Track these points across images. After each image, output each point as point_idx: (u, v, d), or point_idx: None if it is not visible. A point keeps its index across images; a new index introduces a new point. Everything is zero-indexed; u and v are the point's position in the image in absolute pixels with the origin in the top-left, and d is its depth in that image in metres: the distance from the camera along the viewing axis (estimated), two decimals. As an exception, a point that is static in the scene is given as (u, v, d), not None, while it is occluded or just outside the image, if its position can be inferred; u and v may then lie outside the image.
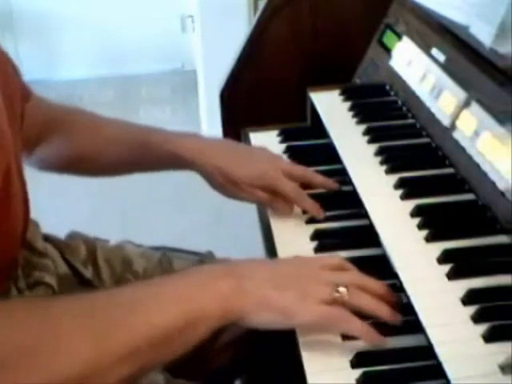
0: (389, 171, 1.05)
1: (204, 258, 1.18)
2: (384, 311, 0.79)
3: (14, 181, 0.84)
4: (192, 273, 0.78)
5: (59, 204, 1.21)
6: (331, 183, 1.08)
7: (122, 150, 1.10)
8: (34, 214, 0.98)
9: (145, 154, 1.08)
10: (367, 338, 0.78)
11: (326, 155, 1.18)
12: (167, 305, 0.71)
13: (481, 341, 0.73)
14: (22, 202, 0.89)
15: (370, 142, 1.14)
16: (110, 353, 0.67)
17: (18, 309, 0.68)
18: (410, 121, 1.20)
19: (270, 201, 1.05)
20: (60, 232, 1.10)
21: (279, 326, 0.77)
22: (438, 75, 1.14)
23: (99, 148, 1.10)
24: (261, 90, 1.57)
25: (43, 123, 1.08)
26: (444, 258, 0.84)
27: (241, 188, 1.03)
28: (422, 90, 1.17)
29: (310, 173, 1.08)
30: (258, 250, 1.07)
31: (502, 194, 0.90)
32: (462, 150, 1.00)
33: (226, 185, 1.04)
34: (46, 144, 1.09)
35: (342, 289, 0.78)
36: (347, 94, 1.31)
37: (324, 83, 1.35)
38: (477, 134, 0.97)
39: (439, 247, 0.86)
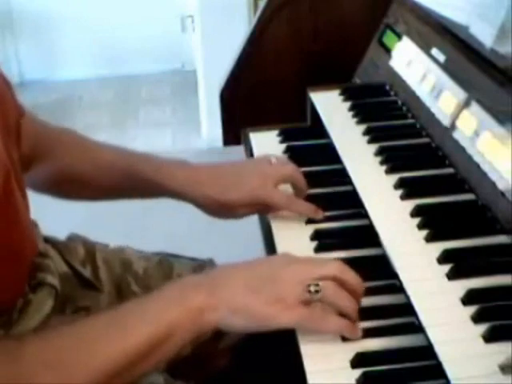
0: (389, 171, 1.05)
1: (204, 264, 1.18)
2: (355, 311, 0.80)
3: (15, 195, 0.84)
4: (165, 290, 0.79)
5: (58, 207, 1.21)
6: (313, 209, 1.05)
7: (112, 177, 1.09)
8: (33, 215, 0.98)
9: (134, 181, 1.08)
10: (346, 333, 0.79)
11: (325, 155, 1.18)
12: (138, 326, 0.74)
13: (481, 341, 0.73)
14: (25, 214, 0.89)
15: (370, 141, 1.14)
16: None
17: None
18: (410, 121, 1.20)
19: (267, 211, 1.05)
20: (59, 235, 1.10)
21: (256, 330, 0.79)
22: (438, 75, 1.14)
23: (90, 173, 1.09)
24: (261, 89, 1.57)
25: (35, 145, 1.06)
26: (444, 258, 0.84)
27: (233, 211, 1.04)
28: (422, 90, 1.17)
29: (298, 176, 1.07)
30: (258, 250, 1.07)
31: (502, 194, 0.90)
32: (462, 150, 1.00)
33: (219, 211, 1.05)
34: (38, 165, 1.07)
35: (313, 287, 0.78)
36: (347, 94, 1.31)
37: (324, 83, 1.35)
38: (477, 133, 0.97)
39: (439, 247, 0.86)
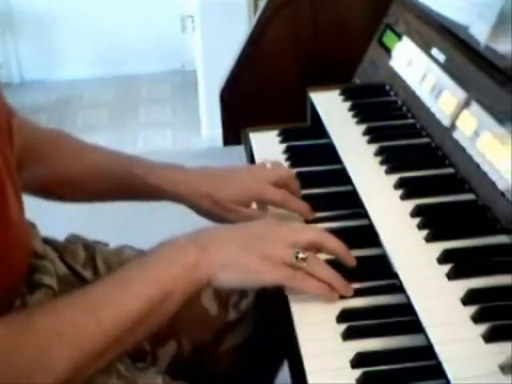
0: (389, 171, 1.05)
1: None
2: (337, 284, 0.85)
3: (6, 194, 0.83)
4: (157, 252, 0.82)
5: (58, 208, 1.20)
6: (307, 208, 1.06)
7: (105, 179, 1.09)
8: (32, 216, 0.97)
9: (128, 185, 1.08)
10: (324, 296, 0.85)
11: (326, 155, 1.18)
12: (139, 288, 0.77)
13: (481, 341, 0.73)
14: (19, 214, 0.89)
15: (370, 141, 1.14)
16: (89, 356, 0.73)
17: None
18: (410, 121, 1.20)
19: (259, 215, 1.04)
20: (59, 236, 1.10)
21: (244, 284, 0.86)
22: (438, 75, 1.14)
23: (83, 175, 1.09)
24: (261, 90, 1.57)
25: (24, 146, 1.05)
26: (444, 258, 0.84)
27: (228, 209, 1.04)
28: (422, 90, 1.17)
29: (291, 179, 1.08)
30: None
31: (502, 194, 0.90)
32: (462, 150, 1.00)
33: (214, 209, 1.04)
34: (29, 168, 1.06)
35: (302, 255, 0.83)
36: (347, 94, 1.31)
37: (324, 83, 1.35)
38: (477, 133, 0.97)
39: (439, 247, 0.86)
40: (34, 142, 1.09)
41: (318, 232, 0.89)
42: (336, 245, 0.88)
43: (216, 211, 1.05)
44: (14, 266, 0.85)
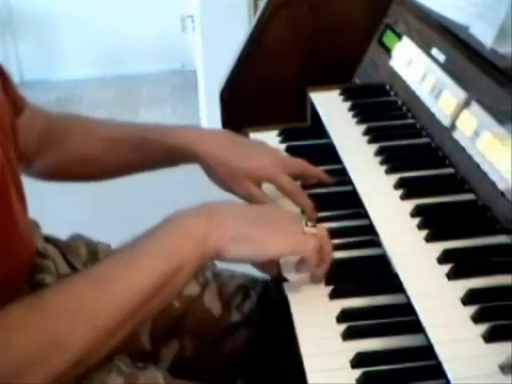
0: (389, 171, 1.05)
1: (204, 265, 1.18)
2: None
3: (9, 194, 0.84)
4: (166, 227, 0.80)
5: (60, 206, 1.20)
6: (326, 177, 1.10)
7: (120, 150, 1.09)
8: (34, 215, 0.97)
9: (144, 150, 1.08)
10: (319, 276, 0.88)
11: (326, 155, 1.18)
12: (150, 263, 0.76)
13: (481, 341, 0.73)
14: (22, 210, 0.89)
15: (370, 141, 1.14)
16: (107, 326, 0.72)
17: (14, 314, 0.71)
18: (410, 121, 1.20)
19: (262, 199, 1.04)
20: (61, 235, 1.10)
21: (255, 257, 0.84)
22: (437, 75, 1.14)
23: (98, 149, 1.10)
24: (261, 90, 1.57)
25: (41, 133, 1.07)
26: (444, 258, 0.84)
27: (238, 181, 1.03)
28: (422, 90, 1.17)
29: (308, 166, 1.10)
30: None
31: (502, 194, 0.90)
32: (462, 149, 1.00)
33: (224, 176, 1.04)
34: (46, 153, 1.09)
35: (311, 224, 0.87)
36: (347, 94, 1.31)
37: (324, 83, 1.35)
38: (477, 133, 0.97)
39: (439, 247, 0.86)
40: (47, 128, 1.10)
41: (322, 227, 0.90)
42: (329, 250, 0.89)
43: (227, 179, 1.04)
44: (19, 265, 0.85)
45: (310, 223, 0.87)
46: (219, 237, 0.79)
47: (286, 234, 0.83)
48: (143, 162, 1.11)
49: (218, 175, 1.05)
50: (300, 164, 1.09)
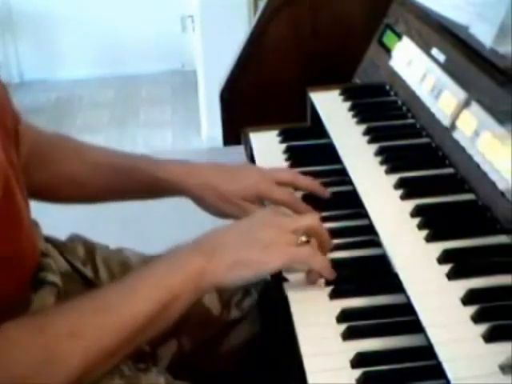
0: (389, 171, 1.05)
1: None
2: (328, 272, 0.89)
3: (16, 197, 0.84)
4: (165, 259, 0.85)
5: (59, 208, 1.20)
6: (319, 189, 1.09)
7: (109, 176, 1.10)
8: (34, 215, 0.97)
9: (132, 180, 1.08)
10: (327, 272, 0.88)
11: (326, 155, 1.18)
12: (146, 292, 0.80)
13: (481, 341, 0.73)
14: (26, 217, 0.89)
15: (370, 141, 1.14)
16: (101, 353, 0.76)
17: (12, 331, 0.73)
18: (410, 121, 1.20)
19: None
20: (60, 236, 1.10)
21: (253, 277, 0.86)
22: (437, 75, 1.14)
23: (87, 173, 1.10)
24: (261, 90, 1.57)
25: (29, 152, 1.06)
26: (444, 258, 0.84)
27: (233, 203, 1.04)
28: (422, 90, 1.17)
29: (297, 176, 1.09)
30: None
31: (502, 194, 0.90)
32: (462, 149, 1.00)
33: (218, 202, 1.05)
34: (33, 173, 1.07)
35: (304, 238, 0.89)
36: (347, 94, 1.31)
37: (324, 83, 1.35)
38: (477, 133, 0.97)
39: (439, 247, 0.86)
40: (37, 146, 1.10)
41: (315, 218, 0.92)
42: (328, 240, 0.92)
43: (221, 205, 1.05)
44: (24, 266, 0.86)
45: (303, 238, 0.89)
46: (214, 272, 0.82)
47: (279, 248, 0.85)
48: (129, 191, 1.12)
49: (210, 203, 1.06)
50: (289, 174, 1.10)
